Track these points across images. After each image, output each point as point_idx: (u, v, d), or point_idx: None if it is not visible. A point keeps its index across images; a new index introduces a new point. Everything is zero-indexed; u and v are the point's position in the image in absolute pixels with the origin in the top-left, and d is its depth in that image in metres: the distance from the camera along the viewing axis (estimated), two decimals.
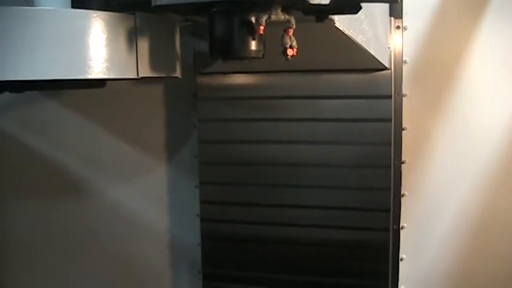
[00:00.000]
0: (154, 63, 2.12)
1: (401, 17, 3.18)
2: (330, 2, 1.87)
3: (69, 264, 4.04)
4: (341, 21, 2.21)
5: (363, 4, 1.99)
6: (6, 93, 2.43)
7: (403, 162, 3.25)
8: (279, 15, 1.87)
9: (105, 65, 1.92)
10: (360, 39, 2.50)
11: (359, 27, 2.49)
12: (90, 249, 3.98)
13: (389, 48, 3.14)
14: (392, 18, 3.17)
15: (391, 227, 3.21)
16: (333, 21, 2.14)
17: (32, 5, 1.85)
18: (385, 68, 3.04)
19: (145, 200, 3.83)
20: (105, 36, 1.92)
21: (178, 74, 2.36)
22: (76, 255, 4.02)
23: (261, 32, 1.88)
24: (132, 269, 3.89)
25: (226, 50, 1.99)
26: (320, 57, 2.86)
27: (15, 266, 4.19)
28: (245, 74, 3.27)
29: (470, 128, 3.20)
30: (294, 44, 1.92)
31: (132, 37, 2.02)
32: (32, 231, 4.10)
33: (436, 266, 3.34)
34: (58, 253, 4.06)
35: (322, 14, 2.01)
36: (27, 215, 4.08)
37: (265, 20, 1.84)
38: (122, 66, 2.00)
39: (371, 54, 2.74)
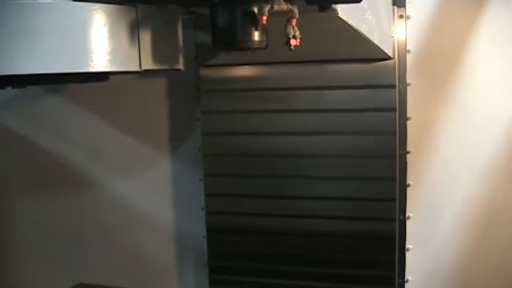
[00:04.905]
0: (156, 56, 2.11)
1: (404, 6, 3.16)
2: None
3: (74, 257, 4.05)
4: (344, 11, 2.20)
5: None
6: (9, 89, 2.42)
7: (408, 152, 3.24)
8: (281, 5, 1.86)
9: (107, 58, 1.91)
10: (363, 28, 2.49)
11: (362, 16, 2.49)
12: (95, 242, 4.00)
13: (392, 37, 3.12)
14: (395, 7, 3.15)
15: (397, 217, 3.20)
16: (336, 11, 2.13)
17: None
18: (388, 58, 3.02)
19: (150, 194, 3.84)
20: (106, 28, 1.91)
21: (181, 66, 2.35)
22: (81, 249, 4.04)
23: (264, 23, 1.88)
24: (138, 262, 3.90)
25: (229, 41, 1.99)
26: (323, 47, 2.85)
27: (23, 260, 4.20)
28: (248, 66, 3.26)
29: (476, 117, 3.18)
30: (297, 34, 1.92)
31: (134, 29, 2.01)
32: (37, 226, 4.12)
33: (443, 256, 3.33)
34: (63, 247, 4.08)
35: (325, 3, 2.00)
36: (32, 209, 4.10)
37: (268, 10, 1.84)
38: (124, 58, 1.99)
39: (374, 44, 2.73)
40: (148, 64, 2.09)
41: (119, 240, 3.93)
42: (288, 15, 1.90)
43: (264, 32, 1.96)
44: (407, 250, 3.32)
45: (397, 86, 3.10)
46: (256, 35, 1.94)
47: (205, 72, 3.32)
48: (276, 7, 1.85)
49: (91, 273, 3.96)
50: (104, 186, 3.91)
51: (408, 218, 3.29)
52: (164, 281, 3.90)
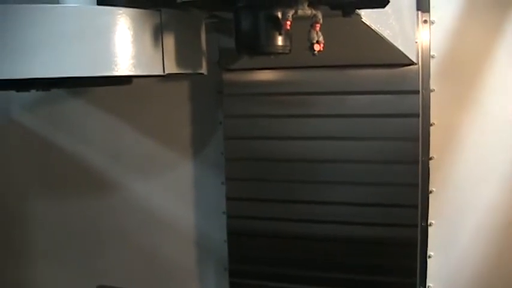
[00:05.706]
0: (180, 60, 2.12)
1: (428, 11, 3.14)
2: None
3: (95, 260, 4.07)
4: (368, 16, 2.19)
5: None
6: (33, 91, 2.44)
7: (431, 158, 3.21)
8: (305, 10, 1.86)
9: (131, 61, 1.92)
10: (386, 33, 2.48)
11: (386, 21, 2.47)
12: (116, 245, 4.01)
13: (416, 42, 3.10)
14: (419, 12, 3.14)
15: (419, 224, 3.18)
16: (359, 16, 2.13)
17: (58, 2, 1.85)
18: (412, 63, 3.00)
19: (171, 197, 3.84)
20: (131, 32, 1.92)
21: (204, 70, 2.36)
22: (102, 252, 4.05)
23: (288, 28, 1.87)
24: (158, 266, 3.91)
25: (253, 46, 1.99)
26: (347, 52, 2.84)
27: (40, 261, 4.23)
28: (271, 70, 3.25)
29: (499, 123, 3.15)
30: (321, 39, 1.91)
31: (158, 34, 2.02)
32: (56, 227, 4.14)
33: (465, 263, 3.30)
34: (84, 249, 4.09)
35: (348, 8, 1.99)
36: (54, 211, 4.12)
37: (292, 15, 1.84)
38: (148, 62, 2.00)
39: (398, 49, 2.71)
40: (171, 68, 2.10)
41: (139, 243, 3.94)
42: (312, 20, 1.89)
43: (288, 36, 1.96)
44: (429, 257, 3.30)
45: (420, 91, 3.07)
46: (279, 40, 1.94)
47: (228, 76, 3.32)
48: (300, 12, 1.84)
49: (110, 276, 3.98)
50: (125, 190, 3.92)
51: (430, 224, 3.26)
52: (184, 285, 3.90)
